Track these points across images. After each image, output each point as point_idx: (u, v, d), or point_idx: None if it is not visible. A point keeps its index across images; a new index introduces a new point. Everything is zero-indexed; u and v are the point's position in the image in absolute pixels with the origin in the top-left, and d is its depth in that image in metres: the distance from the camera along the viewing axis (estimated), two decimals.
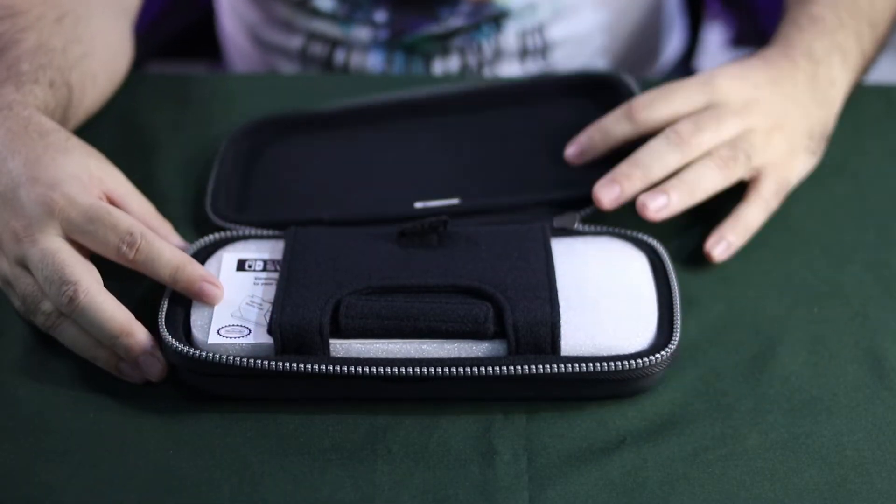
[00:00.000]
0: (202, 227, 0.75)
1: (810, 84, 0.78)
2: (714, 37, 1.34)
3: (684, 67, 1.14)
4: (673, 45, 1.14)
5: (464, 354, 0.64)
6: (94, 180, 0.69)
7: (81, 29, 0.79)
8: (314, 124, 0.82)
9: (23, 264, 0.67)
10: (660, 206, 0.71)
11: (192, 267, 0.66)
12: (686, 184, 0.72)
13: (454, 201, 0.74)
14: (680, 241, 0.75)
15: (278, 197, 0.77)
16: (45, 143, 0.69)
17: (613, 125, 0.75)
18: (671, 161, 0.72)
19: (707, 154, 0.73)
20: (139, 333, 0.65)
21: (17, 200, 0.67)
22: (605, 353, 0.64)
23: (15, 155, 0.68)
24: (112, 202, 0.70)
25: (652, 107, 0.74)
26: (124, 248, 0.66)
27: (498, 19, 0.97)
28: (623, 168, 0.72)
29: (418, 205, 0.74)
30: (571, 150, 0.76)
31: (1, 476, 0.61)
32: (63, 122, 0.75)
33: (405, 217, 0.70)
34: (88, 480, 0.61)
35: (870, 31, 0.83)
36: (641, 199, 0.71)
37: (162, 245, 0.66)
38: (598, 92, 0.81)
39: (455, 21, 0.96)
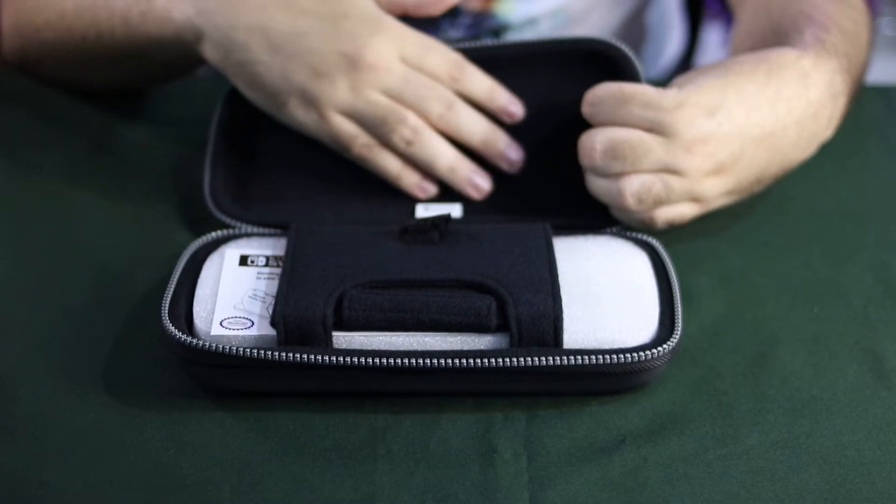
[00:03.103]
0: (203, 223, 0.75)
1: (812, 119, 0.73)
2: (714, 37, 1.34)
3: (684, 67, 1.14)
4: (673, 45, 1.13)
5: (466, 347, 0.64)
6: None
7: None
8: None
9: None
10: None
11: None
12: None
13: (456, 207, 0.75)
14: (679, 241, 0.75)
15: (278, 193, 0.77)
16: None
17: (638, 112, 0.69)
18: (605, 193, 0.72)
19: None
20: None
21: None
22: (607, 346, 0.64)
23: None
24: None
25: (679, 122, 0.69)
26: (455, 71, 0.74)
27: (498, 32, 0.96)
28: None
29: (420, 214, 0.75)
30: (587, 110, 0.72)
31: (1, 476, 0.61)
32: None
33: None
34: (88, 480, 0.60)
35: (858, 73, 0.80)
36: None
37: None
38: (598, 63, 0.75)
39: (455, 33, 0.96)
